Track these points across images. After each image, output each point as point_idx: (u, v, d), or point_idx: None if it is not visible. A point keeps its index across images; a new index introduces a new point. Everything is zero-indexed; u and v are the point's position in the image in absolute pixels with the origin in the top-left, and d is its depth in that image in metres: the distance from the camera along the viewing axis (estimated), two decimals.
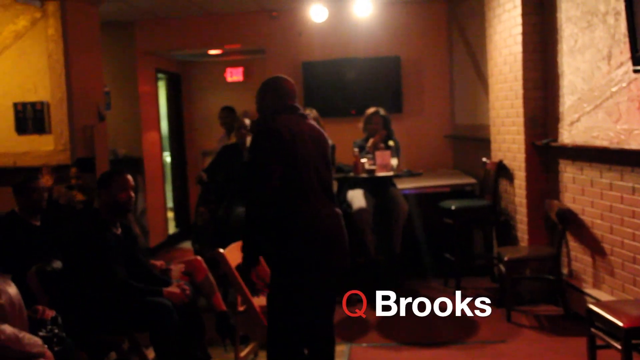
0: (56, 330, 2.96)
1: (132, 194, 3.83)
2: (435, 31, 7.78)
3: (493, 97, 5.90)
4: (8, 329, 2.63)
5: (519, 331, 4.65)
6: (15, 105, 5.84)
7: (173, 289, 3.79)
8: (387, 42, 7.72)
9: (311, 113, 5.81)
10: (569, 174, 4.89)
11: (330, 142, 5.73)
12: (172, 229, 9.07)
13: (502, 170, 5.68)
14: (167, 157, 9.35)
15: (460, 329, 4.77)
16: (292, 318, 3.12)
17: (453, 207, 5.66)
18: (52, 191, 4.57)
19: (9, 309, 2.74)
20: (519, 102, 5.30)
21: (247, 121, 5.88)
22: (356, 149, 5.54)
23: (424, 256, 6.09)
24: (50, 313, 3.02)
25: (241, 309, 4.06)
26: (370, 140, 5.71)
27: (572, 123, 4.80)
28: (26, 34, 5.83)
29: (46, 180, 5.11)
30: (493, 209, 5.69)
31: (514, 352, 4.27)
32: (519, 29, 5.21)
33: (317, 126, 3.31)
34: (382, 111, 5.82)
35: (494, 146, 5.97)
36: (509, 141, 5.59)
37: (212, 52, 8.87)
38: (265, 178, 3.00)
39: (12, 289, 2.80)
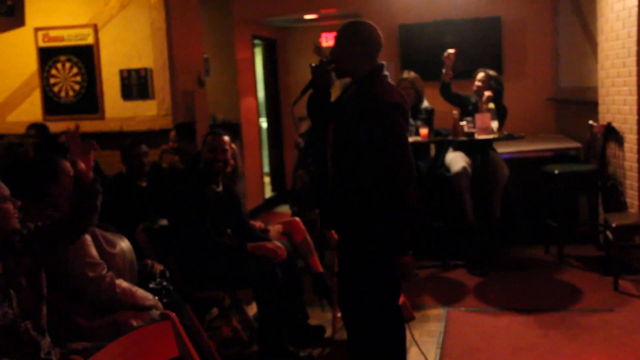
0: (164, 283, 3.08)
1: (221, 156, 3.82)
2: None
3: (603, 56, 5.58)
4: (123, 283, 2.76)
5: (628, 300, 4.44)
6: (121, 72, 6.08)
7: (261, 243, 3.78)
8: (487, 2, 7.44)
9: (409, 76, 5.72)
10: None
11: (428, 105, 5.69)
12: (268, 193, 9.23)
13: (611, 134, 5.38)
14: (264, 123, 9.48)
15: (563, 297, 4.61)
16: (396, 297, 2.95)
17: (556, 172, 5.44)
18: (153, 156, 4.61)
19: (121, 262, 2.87)
20: (632, 60, 4.98)
21: None
22: (455, 112, 5.39)
23: (525, 222, 5.92)
24: (159, 267, 3.15)
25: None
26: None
27: None
28: (130, 3, 6.02)
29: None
30: (600, 173, 5.42)
31: (623, 322, 4.08)
32: None
33: None
34: (488, 71, 5.62)
35: (602, 108, 5.66)
36: (619, 102, 5.28)
37: (308, 17, 8.85)
38: (407, 155, 2.73)
39: (126, 244, 2.93)
